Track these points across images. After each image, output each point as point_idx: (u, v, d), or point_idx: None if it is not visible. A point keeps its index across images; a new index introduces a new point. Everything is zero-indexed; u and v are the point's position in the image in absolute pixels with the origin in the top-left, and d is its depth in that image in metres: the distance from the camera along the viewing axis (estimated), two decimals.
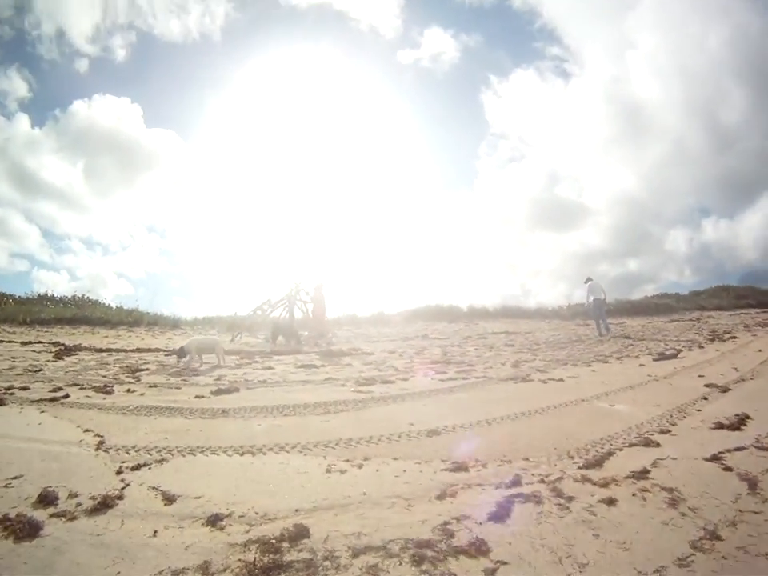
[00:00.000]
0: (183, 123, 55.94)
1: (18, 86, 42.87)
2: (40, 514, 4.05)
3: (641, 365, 10.81)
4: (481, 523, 3.45)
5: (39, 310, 23.96)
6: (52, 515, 4.07)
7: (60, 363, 12.64)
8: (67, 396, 8.61)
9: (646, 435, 5.44)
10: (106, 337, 19.65)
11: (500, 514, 3.53)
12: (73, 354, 14.26)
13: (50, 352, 14.67)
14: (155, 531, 3.84)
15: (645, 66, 44.90)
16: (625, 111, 43.29)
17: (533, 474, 4.35)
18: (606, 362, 11.29)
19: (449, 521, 3.50)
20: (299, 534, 3.63)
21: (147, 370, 11.66)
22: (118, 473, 5.07)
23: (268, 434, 6.35)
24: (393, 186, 54.59)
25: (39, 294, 27.69)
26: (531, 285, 45.15)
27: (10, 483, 4.72)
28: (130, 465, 5.26)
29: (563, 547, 3.09)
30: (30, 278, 43.92)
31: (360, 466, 5.05)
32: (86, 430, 6.55)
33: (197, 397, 8.58)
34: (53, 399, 8.33)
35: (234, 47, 47.42)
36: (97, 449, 5.81)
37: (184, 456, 5.62)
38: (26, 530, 3.77)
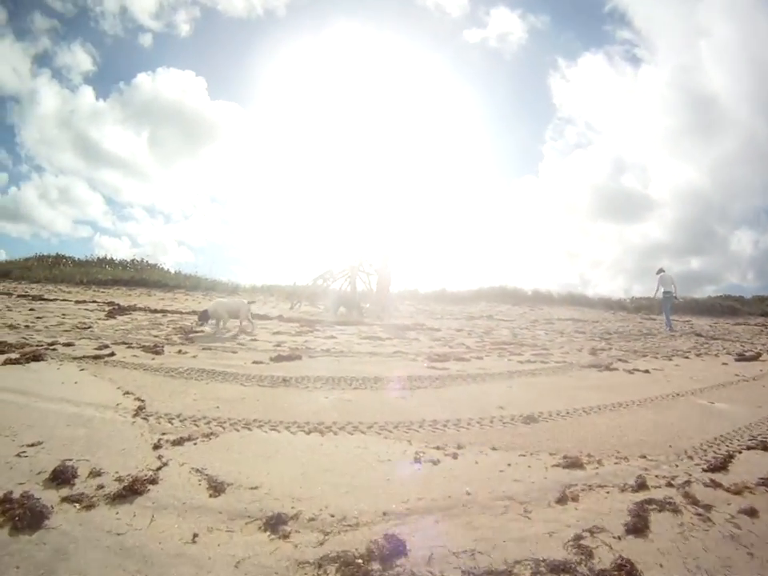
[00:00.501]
0: (247, 96, 56.48)
1: (82, 59, 44.03)
2: (50, 496, 3.21)
3: (723, 363, 10.06)
4: (619, 537, 2.92)
5: (97, 271, 24.67)
6: (64, 499, 3.21)
7: (111, 322, 12.28)
8: (112, 354, 8.04)
9: (761, 438, 4.96)
10: (162, 299, 19.70)
11: (638, 526, 3.03)
12: (126, 314, 13.97)
13: (103, 311, 14.44)
14: (195, 535, 2.86)
15: (717, 56, 42.75)
16: (695, 102, 40.99)
17: (656, 476, 3.88)
18: (687, 358, 10.60)
19: (581, 534, 2.92)
20: (393, 550, 2.68)
21: (202, 332, 11.04)
22: (156, 447, 4.20)
23: (337, 410, 5.47)
24: (458, 165, 52.96)
25: (99, 257, 28.49)
26: (590, 275, 43.31)
27: (24, 452, 3.97)
28: (172, 438, 4.40)
29: (721, 570, 2.63)
30: (92, 244, 47.59)
31: (454, 456, 4.21)
32: (126, 393, 5.80)
33: (254, 363, 7.82)
34: (96, 357, 7.75)
35: (298, 23, 49.94)
36: (135, 415, 4.99)
37: (237, 430, 4.71)
38: (27, 517, 2.92)
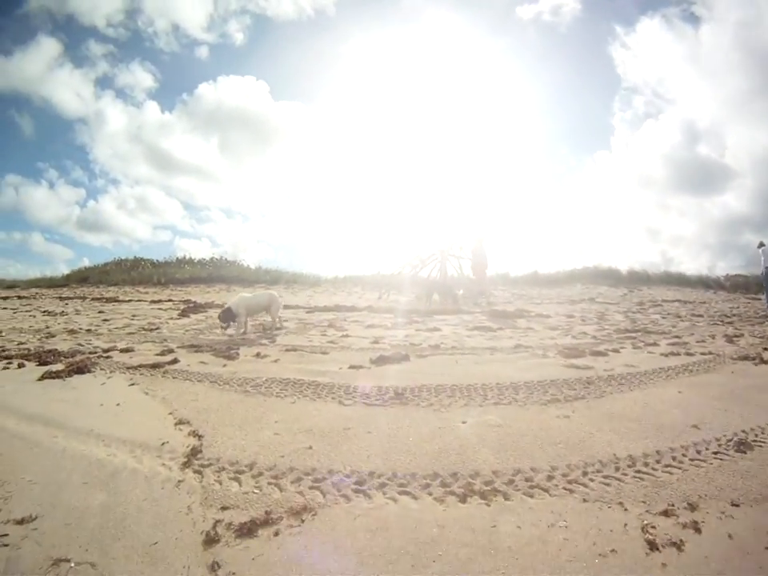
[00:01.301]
0: (309, 94, 61.61)
1: (143, 77, 46.99)
2: None
3: None
4: None
5: (175, 271, 24.91)
6: None
7: (183, 321, 11.24)
8: (175, 361, 6.76)
9: None
10: None
11: None
12: (200, 312, 12.99)
13: (177, 309, 13.41)
14: None
15: None
16: (763, 59, 35.66)
17: None
18: None
19: None
20: None
21: (285, 328, 9.63)
22: (209, 541, 2.52)
23: (489, 445, 3.74)
24: (528, 146, 51.09)
25: (177, 258, 28.79)
26: (673, 253, 40.02)
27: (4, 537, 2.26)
28: (236, 520, 2.72)
29: None
30: (173, 247, 51.50)
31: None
32: (180, 422, 4.29)
33: (352, 368, 6.23)
34: (155, 366, 6.49)
35: (348, 19, 50.39)
36: (185, 465, 3.41)
37: (346, 498, 2.94)
38: None
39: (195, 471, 3.27)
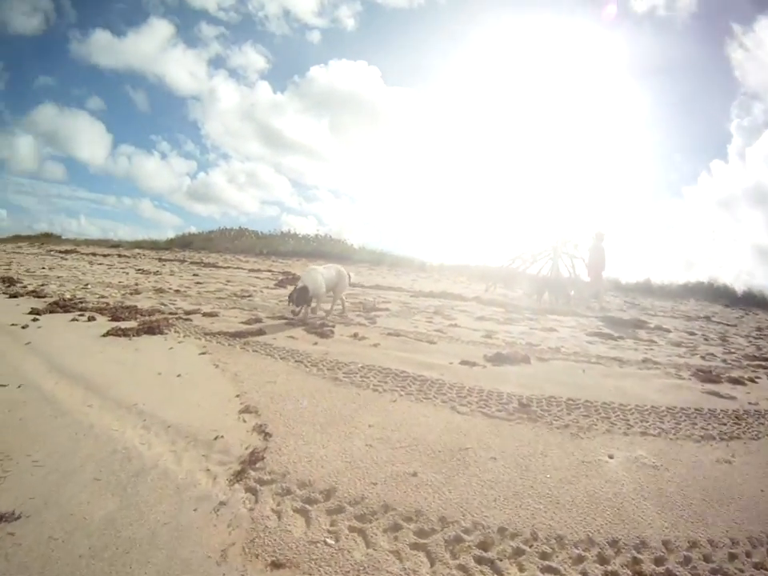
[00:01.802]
0: (419, 81, 63.03)
1: (255, 59, 49.77)
2: None
3: None
4: None
5: (278, 243, 24.89)
6: None
7: (278, 291, 10.66)
8: (260, 332, 6.02)
9: None
10: None
11: None
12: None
13: (274, 280, 12.80)
14: None
15: None
16: None
17: None
18: None
19: None
20: None
21: (387, 310, 8.78)
22: None
23: (647, 495, 2.79)
24: (633, 148, 47.55)
25: (282, 232, 28.90)
26: None
27: None
28: None
29: None
30: (279, 222, 52.43)
31: None
32: (246, 409, 3.38)
33: (464, 363, 5.18)
34: (236, 335, 5.83)
35: (459, 8, 49.30)
36: (237, 476, 2.54)
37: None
38: None
39: (248, 489, 2.32)
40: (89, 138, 50.73)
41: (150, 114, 50.56)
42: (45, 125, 50.73)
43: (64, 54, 47.74)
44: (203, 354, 4.81)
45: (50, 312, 6.74)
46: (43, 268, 13.89)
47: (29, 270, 13.12)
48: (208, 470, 2.52)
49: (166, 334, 5.60)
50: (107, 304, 7.42)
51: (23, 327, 5.78)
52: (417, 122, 52.30)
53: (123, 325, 5.83)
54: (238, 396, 3.61)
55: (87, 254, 20.61)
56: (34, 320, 6.20)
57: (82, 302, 7.49)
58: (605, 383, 4.84)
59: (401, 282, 15.59)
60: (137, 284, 10.61)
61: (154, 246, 26.14)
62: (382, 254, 23.80)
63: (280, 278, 13.64)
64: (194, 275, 13.26)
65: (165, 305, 7.69)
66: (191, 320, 6.51)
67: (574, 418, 3.68)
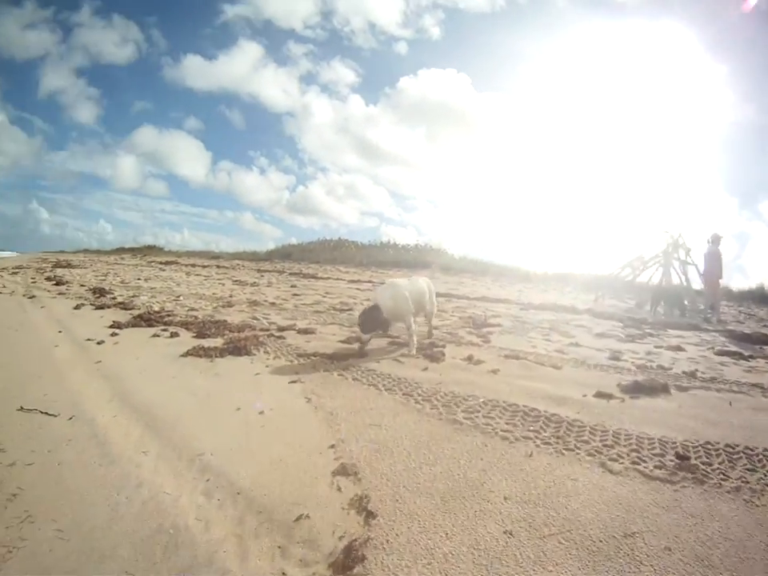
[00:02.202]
0: (509, 86, 62.49)
1: (345, 73, 53.08)
2: None
3: None
4: None
5: (378, 253, 24.80)
6: None
7: None
8: (362, 355, 5.34)
9: None
10: (446, 283, 17.27)
11: None
12: None
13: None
14: None
15: None
16: None
17: None
18: None
19: None
20: None
21: (499, 326, 7.89)
22: None
23: None
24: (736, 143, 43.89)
25: (382, 242, 28.98)
26: None
27: None
28: None
29: None
30: (379, 233, 55.09)
31: None
32: (343, 470, 2.73)
33: (599, 395, 4.25)
34: (334, 358, 5.14)
35: (540, 8, 52.60)
36: None
37: None
38: None
39: None
40: (188, 156, 55.49)
41: (246, 131, 54.43)
42: (145, 145, 55.92)
43: (158, 79, 52.82)
44: (294, 382, 4.14)
45: (132, 326, 6.51)
46: (139, 279, 14.22)
47: (123, 280, 13.45)
48: (283, 574, 1.74)
49: (254, 354, 5.07)
50: (195, 318, 7.10)
51: (98, 343, 5.51)
52: (511, 126, 54.13)
53: (207, 343, 5.38)
54: (332, 447, 2.84)
55: (186, 265, 21.40)
56: (113, 335, 5.95)
57: (169, 315, 7.24)
58: (758, 421, 3.87)
59: (507, 294, 14.88)
60: (231, 296, 10.40)
61: (253, 257, 26.77)
62: (485, 264, 23.18)
63: None
64: (291, 286, 12.99)
65: (257, 319, 7.26)
66: (284, 337, 5.97)
67: (740, 475, 2.81)
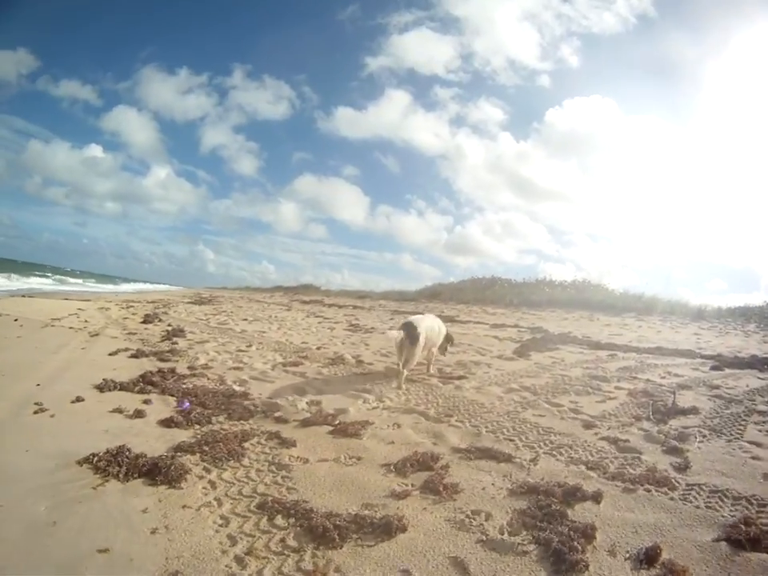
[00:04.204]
0: (661, 106, 58.31)
1: (492, 112, 52.42)
2: None
3: None
4: None
5: (531, 292, 21.54)
6: None
7: (516, 365, 6.79)
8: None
9: None
10: (608, 325, 14.02)
11: None
12: (552, 348, 8.50)
13: (515, 341, 9.14)
14: None
15: None
16: None
17: None
18: None
19: None
20: None
21: (694, 412, 4.69)
22: None
23: None
24: None
25: (537, 279, 25.52)
26: None
27: None
28: None
29: None
30: (537, 270, 51.53)
31: None
32: None
33: None
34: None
35: (671, 18, 48.02)
36: None
37: None
38: None
39: None
40: (347, 201, 58.18)
41: (402, 176, 57.01)
42: (305, 192, 59.38)
43: (314, 131, 56.96)
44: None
45: (121, 389, 4.74)
46: (245, 319, 12.55)
47: (222, 322, 11.66)
48: None
49: (181, 487, 2.61)
50: (220, 382, 5.18)
51: (35, 413, 3.88)
52: (665, 149, 51.51)
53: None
54: None
55: (326, 305, 20.01)
56: (76, 401, 4.27)
57: (194, 375, 5.49)
58: None
59: (683, 339, 11.20)
60: (320, 347, 8.08)
61: (399, 296, 25.01)
62: (650, 300, 19.02)
63: (526, 338, 9.93)
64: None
65: (307, 400, 4.70)
66: (290, 444, 3.39)
67: None
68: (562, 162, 56.25)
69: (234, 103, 52.77)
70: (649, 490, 2.93)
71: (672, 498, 2.85)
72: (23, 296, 15.85)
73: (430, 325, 5.99)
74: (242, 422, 3.86)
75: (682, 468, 3.31)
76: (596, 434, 3.98)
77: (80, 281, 41.12)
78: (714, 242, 47.83)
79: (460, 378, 5.89)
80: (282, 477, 2.89)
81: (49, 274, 40.72)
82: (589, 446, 3.67)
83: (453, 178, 61.98)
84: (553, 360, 7.32)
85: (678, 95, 57.99)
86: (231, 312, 14.75)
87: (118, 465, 2.86)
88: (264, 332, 9.86)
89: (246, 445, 3.28)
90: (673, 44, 50.05)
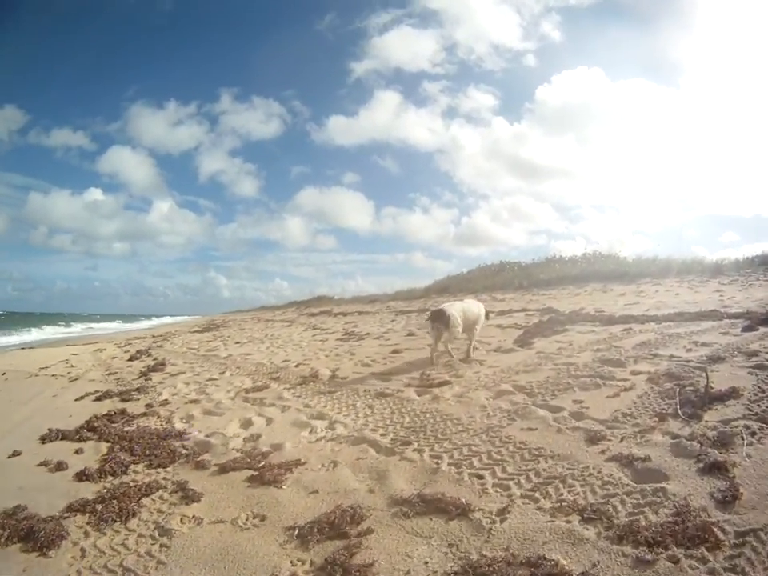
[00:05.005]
0: (644, 68, 58.21)
1: (483, 99, 51.49)
2: None
3: None
4: None
5: (540, 271, 21.01)
6: None
7: (521, 354, 6.55)
8: None
9: None
10: (623, 295, 13.30)
11: None
12: (557, 331, 7.99)
13: (522, 329, 8.88)
14: None
15: None
16: None
17: None
18: None
19: None
20: None
21: (732, 396, 3.91)
22: None
23: None
24: None
25: (546, 258, 24.68)
26: None
27: None
28: None
29: None
30: (548, 249, 48.00)
31: None
32: None
33: None
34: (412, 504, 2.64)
35: None
36: None
37: None
38: None
39: None
40: (351, 208, 58.36)
41: (402, 176, 57.07)
42: (309, 205, 59.89)
43: (309, 144, 57.18)
44: None
45: (62, 438, 4.60)
46: (238, 342, 12.20)
47: (211, 349, 11.25)
48: None
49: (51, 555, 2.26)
50: (167, 420, 5.02)
51: None
52: (655, 109, 51.83)
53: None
54: None
55: (336, 314, 19.27)
56: (13, 455, 4.19)
57: (145, 415, 5.31)
58: None
59: (704, 299, 10.32)
60: (300, 363, 7.82)
61: (408, 295, 24.18)
62: (664, 262, 18.24)
63: (534, 321, 9.33)
64: (408, 335, 9.80)
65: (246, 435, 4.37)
66: (170, 526, 2.83)
67: None
68: (559, 138, 56.94)
69: (226, 128, 53.36)
70: (676, 559, 2.13)
71: (712, 572, 2.04)
72: (22, 348, 15.73)
73: (463, 307, 6.55)
74: (158, 469, 3.47)
75: (728, 500, 2.48)
76: (603, 451, 3.27)
77: (106, 324, 41.19)
78: (720, 195, 49.22)
79: (441, 384, 5.36)
80: (159, 546, 2.44)
81: (65, 323, 40.21)
82: (591, 474, 2.98)
83: (453, 171, 63.16)
84: (559, 345, 6.69)
85: (661, 54, 58.89)
86: (229, 336, 14.39)
87: (2, 528, 2.53)
88: (249, 354, 9.50)
89: (146, 501, 2.86)
90: (647, 5, 52.02)
